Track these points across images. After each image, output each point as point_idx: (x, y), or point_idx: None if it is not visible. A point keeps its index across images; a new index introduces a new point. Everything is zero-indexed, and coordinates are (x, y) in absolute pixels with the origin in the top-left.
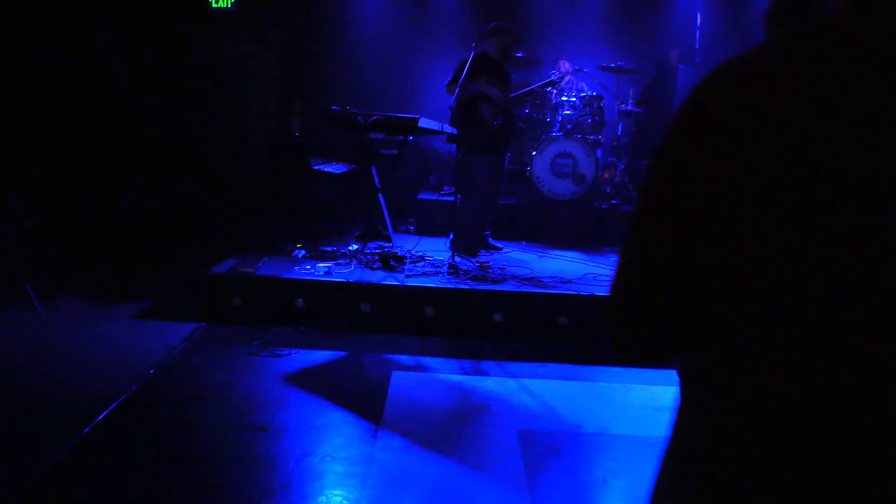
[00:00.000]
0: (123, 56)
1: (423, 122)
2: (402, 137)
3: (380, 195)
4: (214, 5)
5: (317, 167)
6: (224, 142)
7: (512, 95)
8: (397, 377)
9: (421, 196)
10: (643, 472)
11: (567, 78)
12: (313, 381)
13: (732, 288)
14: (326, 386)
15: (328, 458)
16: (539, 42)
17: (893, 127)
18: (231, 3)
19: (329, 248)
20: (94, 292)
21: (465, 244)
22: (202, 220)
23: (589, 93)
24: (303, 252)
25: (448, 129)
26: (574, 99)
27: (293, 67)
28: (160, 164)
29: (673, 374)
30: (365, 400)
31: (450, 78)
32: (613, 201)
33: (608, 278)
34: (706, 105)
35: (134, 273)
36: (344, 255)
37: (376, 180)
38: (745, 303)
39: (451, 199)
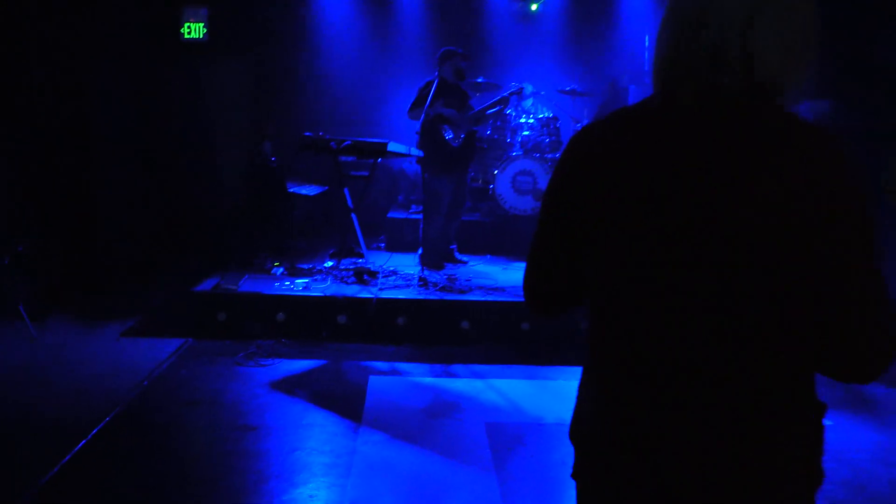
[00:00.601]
0: (105, 88)
1: (392, 146)
2: (372, 160)
3: (353, 214)
4: (187, 36)
5: (292, 189)
6: (200, 166)
7: (470, 114)
8: (374, 381)
9: (390, 215)
10: None
11: (528, 97)
12: (297, 387)
13: (597, 263)
14: (309, 391)
15: (315, 452)
16: (499, 66)
17: (683, 170)
18: (203, 35)
19: (305, 266)
20: (82, 312)
21: (432, 259)
22: (182, 241)
23: (546, 114)
24: (281, 269)
25: (416, 151)
26: (532, 120)
27: (264, 93)
28: (141, 189)
29: None
30: (345, 402)
31: (410, 104)
32: None
33: None
34: (575, 150)
35: (120, 293)
36: (320, 272)
37: (349, 201)
38: (605, 271)
39: (419, 216)
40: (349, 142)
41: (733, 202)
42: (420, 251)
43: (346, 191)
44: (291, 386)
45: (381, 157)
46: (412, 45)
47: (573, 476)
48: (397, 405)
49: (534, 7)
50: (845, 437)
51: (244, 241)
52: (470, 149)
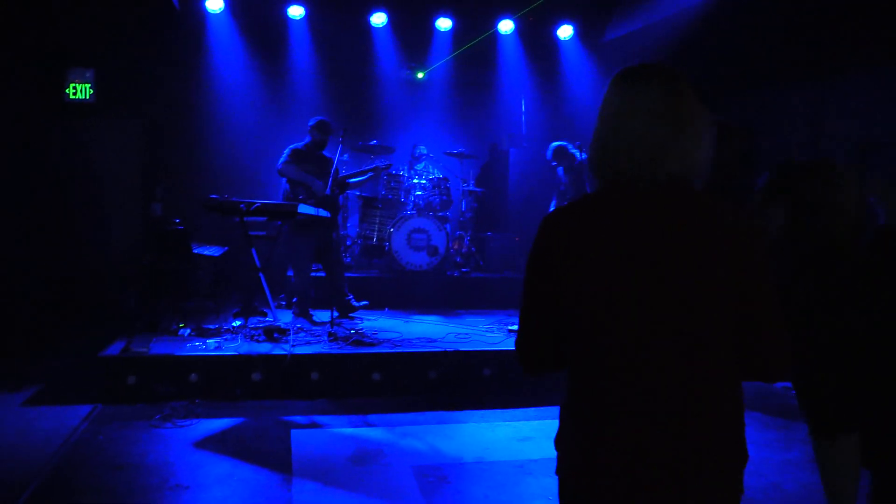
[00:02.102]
0: None
1: (302, 209)
2: (279, 222)
3: (260, 274)
4: (72, 97)
5: (196, 250)
6: (91, 228)
7: (339, 176)
8: (297, 434)
9: (290, 273)
10: (513, 487)
11: (421, 159)
12: (221, 445)
13: (574, 326)
14: (235, 448)
15: None
16: (390, 129)
17: (646, 242)
18: (89, 96)
19: (212, 326)
20: None
21: (304, 307)
22: (75, 305)
23: (437, 175)
24: (188, 331)
25: (322, 213)
26: (424, 181)
27: (155, 154)
28: (29, 252)
29: (528, 412)
30: (272, 456)
31: (280, 162)
32: (464, 269)
33: (465, 335)
34: (549, 229)
35: (12, 361)
36: (229, 331)
37: (257, 261)
38: (580, 334)
39: (317, 275)
40: (258, 204)
41: (686, 263)
42: (295, 300)
43: (253, 251)
44: (215, 444)
45: (290, 218)
46: (306, 109)
47: (556, 473)
48: (324, 456)
49: (420, 75)
50: None
51: (145, 304)
52: (331, 209)
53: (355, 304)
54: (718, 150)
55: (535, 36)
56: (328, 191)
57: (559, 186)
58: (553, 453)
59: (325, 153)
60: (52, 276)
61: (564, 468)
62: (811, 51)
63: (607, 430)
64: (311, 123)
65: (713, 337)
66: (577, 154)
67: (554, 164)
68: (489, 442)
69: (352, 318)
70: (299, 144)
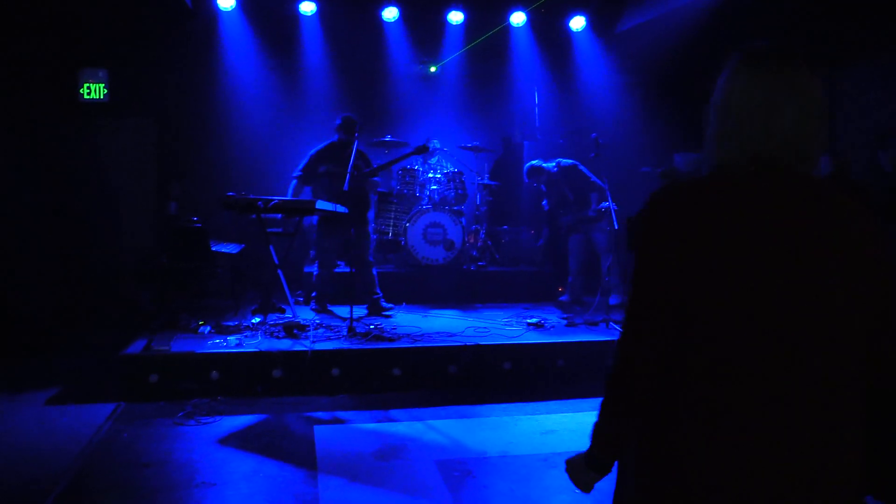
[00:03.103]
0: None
1: (320, 204)
2: (297, 218)
3: (279, 271)
4: (86, 97)
5: (214, 248)
6: (106, 227)
7: (367, 170)
8: (320, 430)
9: (306, 269)
10: (538, 481)
11: (434, 153)
12: (245, 442)
13: (692, 325)
14: (258, 444)
15: (280, 501)
16: (407, 126)
17: (764, 239)
18: (104, 95)
19: (231, 323)
20: None
21: (320, 303)
22: (91, 305)
23: (451, 169)
24: (208, 328)
25: (340, 209)
26: (439, 175)
27: (169, 153)
28: (45, 252)
29: (550, 405)
30: (296, 452)
31: (300, 167)
32: (480, 263)
33: (484, 329)
34: (661, 214)
35: (33, 360)
36: (249, 328)
37: (275, 258)
38: (698, 335)
39: (339, 270)
40: (276, 201)
41: (822, 266)
42: (314, 294)
43: (271, 248)
44: (239, 441)
45: (309, 215)
46: (319, 104)
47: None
48: (348, 451)
49: (432, 69)
50: None
51: (163, 302)
52: (356, 205)
53: (384, 304)
54: None
55: (548, 28)
56: (346, 187)
57: (552, 196)
58: (577, 447)
59: (354, 146)
60: (68, 275)
61: (662, 487)
62: (825, 37)
63: (730, 442)
64: (336, 123)
65: (848, 346)
66: (551, 167)
67: (535, 184)
68: (512, 435)
69: (388, 317)
70: (320, 146)
